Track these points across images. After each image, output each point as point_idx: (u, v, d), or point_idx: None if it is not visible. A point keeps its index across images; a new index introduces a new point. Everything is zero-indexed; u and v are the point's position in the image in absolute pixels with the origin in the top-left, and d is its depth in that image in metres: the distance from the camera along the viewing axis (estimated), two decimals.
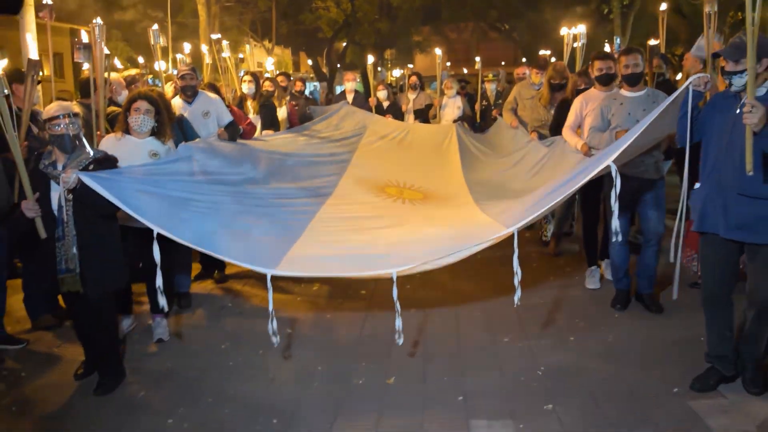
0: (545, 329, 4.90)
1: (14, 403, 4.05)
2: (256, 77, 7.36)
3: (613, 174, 3.46)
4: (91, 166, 3.95)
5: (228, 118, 6.02)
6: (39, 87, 5.39)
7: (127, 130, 4.70)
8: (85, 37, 5.34)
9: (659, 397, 3.81)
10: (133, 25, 18.62)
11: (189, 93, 5.98)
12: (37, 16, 8.58)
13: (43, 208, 3.92)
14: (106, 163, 4.06)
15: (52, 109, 4.00)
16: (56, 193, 3.94)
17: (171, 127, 5.19)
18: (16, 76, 5.32)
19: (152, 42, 6.64)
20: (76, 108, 4.07)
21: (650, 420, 3.57)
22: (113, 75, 6.62)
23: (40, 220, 3.91)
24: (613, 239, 3.61)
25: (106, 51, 5.69)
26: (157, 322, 4.92)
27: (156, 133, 4.75)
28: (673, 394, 3.85)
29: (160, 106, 4.78)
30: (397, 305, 3.47)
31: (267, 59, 10.52)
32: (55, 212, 3.96)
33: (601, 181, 5.12)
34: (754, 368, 3.82)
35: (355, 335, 4.93)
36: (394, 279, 3.47)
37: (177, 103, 5.95)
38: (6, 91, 3.91)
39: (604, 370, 4.19)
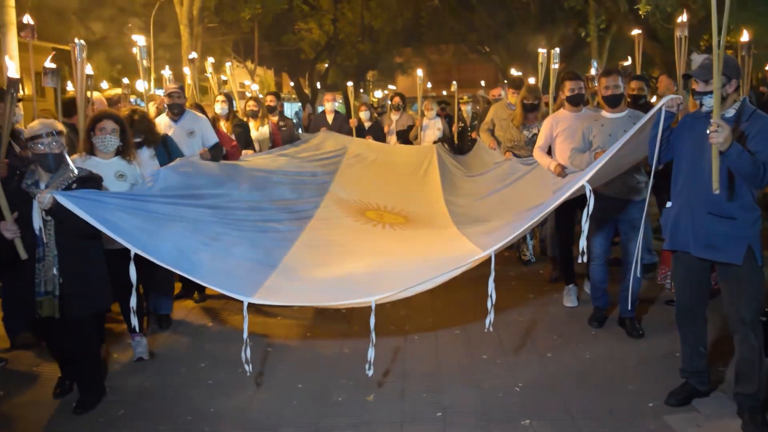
0: (523, 346, 4.95)
1: None
2: (230, 98, 7.31)
3: (587, 194, 3.51)
4: (74, 185, 3.88)
5: (213, 139, 5.96)
6: (20, 105, 5.33)
7: (91, 151, 4.59)
8: (49, 63, 5.23)
9: (634, 412, 3.89)
10: (114, 44, 18.61)
11: (176, 111, 5.95)
12: (19, 36, 8.61)
13: (26, 227, 3.83)
14: (90, 182, 3.99)
15: (35, 127, 3.92)
16: (37, 213, 3.85)
17: (157, 146, 5.25)
18: None
19: (138, 59, 6.60)
20: (59, 126, 4.00)
21: (630, 427, 3.63)
22: (96, 94, 6.63)
23: (19, 240, 3.81)
24: (578, 260, 3.65)
25: (90, 71, 5.70)
26: (136, 341, 4.87)
27: (121, 152, 4.64)
28: (648, 408, 3.93)
29: (124, 125, 4.69)
30: (373, 336, 3.49)
31: (250, 81, 10.47)
32: (37, 232, 3.86)
33: (577, 201, 5.08)
34: (752, 408, 3.63)
35: (335, 353, 4.95)
36: (373, 308, 3.47)
37: (163, 122, 5.92)
38: None
39: (580, 386, 4.25)
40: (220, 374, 4.58)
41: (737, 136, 3.51)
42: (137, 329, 3.84)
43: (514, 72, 10.65)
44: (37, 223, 3.85)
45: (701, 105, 3.70)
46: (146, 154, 5.17)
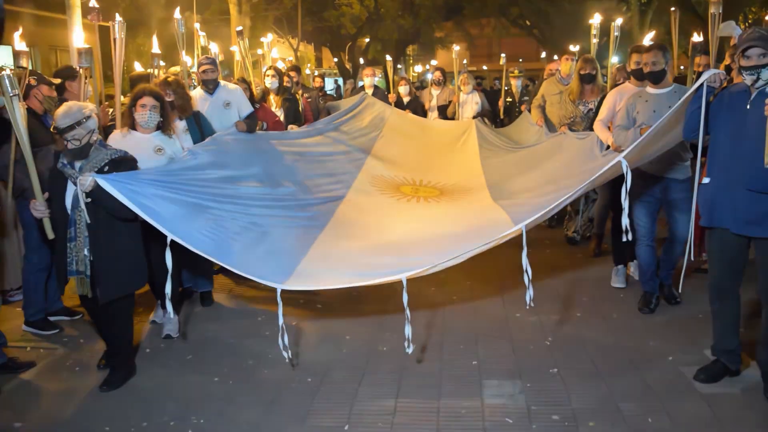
0: (555, 307, 5.29)
1: (76, 364, 4.54)
2: (279, 72, 7.33)
3: (624, 171, 3.49)
4: (106, 168, 3.92)
5: (248, 109, 5.97)
6: (90, 82, 5.70)
7: (132, 126, 4.68)
8: (80, 43, 5.20)
9: (653, 363, 4.24)
10: (162, 23, 19.12)
11: (210, 85, 5.95)
12: (85, 18, 9.08)
13: (60, 207, 3.95)
14: (123, 164, 4.03)
15: (57, 119, 3.90)
16: (71, 193, 3.95)
17: (188, 116, 5.33)
18: (67, 73, 5.77)
19: (177, 31, 6.42)
20: (85, 111, 3.94)
21: (644, 381, 3.99)
22: (172, 69, 7.00)
23: (48, 221, 3.92)
24: (623, 238, 3.63)
25: (157, 50, 5.98)
26: (168, 319, 4.95)
27: (161, 127, 4.72)
28: (667, 361, 4.26)
29: (164, 100, 4.77)
30: (407, 312, 3.54)
31: (292, 57, 10.52)
32: (69, 212, 3.95)
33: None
34: None
35: (380, 309, 5.35)
36: (404, 285, 3.54)
37: (198, 95, 5.95)
38: (16, 90, 3.81)
39: (605, 341, 4.61)
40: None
41: None
42: (171, 315, 3.97)
43: (571, 48, 10.04)
44: (69, 202, 3.94)
45: (758, 79, 3.55)
46: (180, 127, 5.24)
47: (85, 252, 3.94)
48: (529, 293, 3.54)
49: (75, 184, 3.87)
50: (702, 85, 3.75)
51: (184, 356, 4.64)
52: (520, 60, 21.22)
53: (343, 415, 3.71)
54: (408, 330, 3.59)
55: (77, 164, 3.93)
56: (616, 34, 7.10)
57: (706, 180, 3.86)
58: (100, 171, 3.88)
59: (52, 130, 4.02)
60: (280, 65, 9.34)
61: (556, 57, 11.55)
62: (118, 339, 4.29)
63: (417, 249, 4.34)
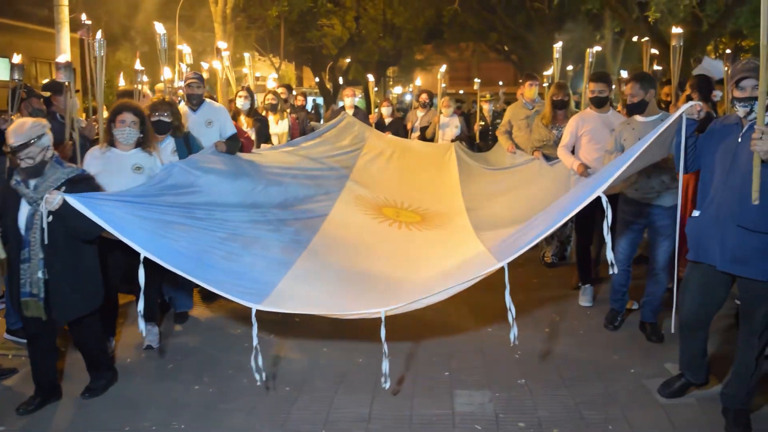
0: (525, 322, 5.48)
1: (57, 371, 4.65)
2: (251, 92, 7.23)
3: (604, 205, 3.39)
4: (63, 188, 3.76)
5: (231, 129, 5.87)
6: (77, 96, 5.84)
7: (111, 142, 4.59)
8: (63, 58, 5.34)
9: (616, 375, 4.46)
10: (145, 36, 19.24)
11: (194, 101, 5.87)
12: (75, 33, 9.25)
13: (12, 226, 3.83)
14: (81, 183, 3.89)
15: (9, 137, 3.73)
16: (24, 212, 3.80)
17: (177, 141, 5.19)
18: (55, 87, 5.91)
19: (159, 46, 6.38)
20: (39, 127, 3.78)
21: (607, 392, 4.21)
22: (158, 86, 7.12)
23: None
24: (610, 271, 3.60)
25: (139, 66, 6.05)
26: (147, 329, 4.64)
27: (141, 143, 4.63)
28: (630, 373, 4.48)
29: (144, 117, 4.67)
30: (385, 347, 3.51)
31: (270, 74, 10.53)
32: (22, 232, 3.80)
33: (596, 202, 4.99)
34: (739, 411, 3.68)
35: (358, 322, 5.48)
36: (383, 319, 3.51)
37: (182, 110, 5.82)
38: None
39: (572, 355, 4.82)
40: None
41: None
42: (144, 334, 3.80)
43: (545, 73, 10.31)
44: (22, 222, 3.80)
45: (751, 111, 3.46)
46: (168, 148, 5.15)
47: (39, 274, 3.77)
48: (514, 332, 3.49)
49: (29, 203, 3.75)
50: (681, 117, 3.67)
51: (165, 366, 4.76)
52: (501, 83, 21.72)
53: (319, 421, 3.88)
54: (385, 365, 3.56)
55: (31, 182, 3.79)
56: (590, 60, 7.24)
57: (695, 213, 3.77)
58: (56, 190, 3.72)
59: (3, 148, 3.83)
60: (272, 85, 9.36)
61: (521, 81, 11.81)
62: (91, 350, 4.26)
63: (397, 283, 4.32)
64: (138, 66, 6.41)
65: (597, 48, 7.54)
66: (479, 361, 4.75)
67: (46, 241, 3.72)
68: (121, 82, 7.68)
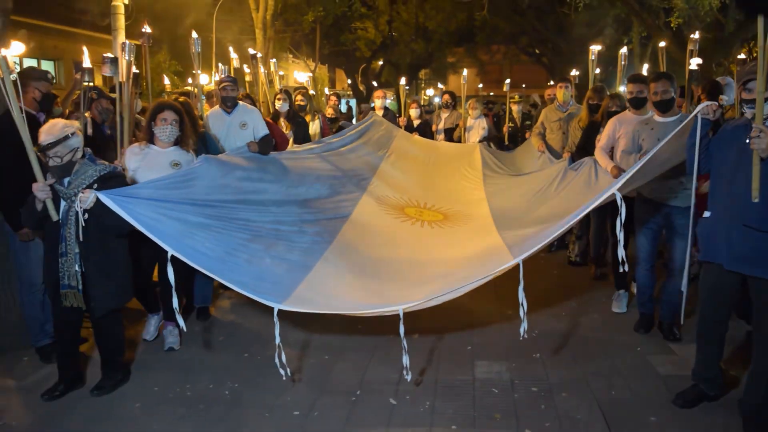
0: (543, 307, 5.94)
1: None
2: (289, 94, 7.40)
3: (618, 202, 3.45)
4: (95, 185, 3.91)
5: (264, 131, 5.98)
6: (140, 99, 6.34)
7: (151, 140, 4.78)
8: (110, 54, 5.52)
9: (624, 352, 4.90)
10: (182, 39, 19.95)
11: (229, 104, 6.01)
12: (136, 41, 9.83)
13: (51, 222, 4.01)
14: (112, 179, 4.03)
15: (40, 136, 3.92)
16: (61, 208, 4.00)
17: (195, 140, 5.22)
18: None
19: (193, 50, 6.62)
20: (68, 129, 3.96)
21: (613, 365, 4.67)
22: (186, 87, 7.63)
23: (51, 202, 3.94)
24: (620, 269, 3.70)
25: (135, 70, 6.12)
26: (169, 330, 5.08)
27: (179, 142, 4.80)
28: (636, 351, 4.93)
29: (183, 115, 4.83)
30: (404, 343, 3.63)
31: (301, 75, 10.80)
32: (61, 228, 3.99)
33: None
34: (759, 420, 3.67)
35: None
36: (401, 316, 3.62)
37: (216, 114, 6.08)
38: (14, 76, 3.89)
39: (585, 336, 5.28)
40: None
41: None
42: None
43: (573, 72, 9.96)
44: (57, 217, 3.99)
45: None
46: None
47: (76, 267, 3.97)
48: (524, 326, 3.65)
49: (64, 199, 3.95)
50: (696, 117, 3.74)
51: (216, 338, 5.33)
52: (523, 86, 21.98)
53: (355, 383, 4.42)
54: (406, 360, 3.69)
55: (65, 180, 3.97)
56: (623, 63, 7.37)
57: (706, 214, 3.85)
58: (89, 187, 3.89)
59: (34, 147, 3.98)
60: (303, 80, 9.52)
61: (551, 83, 11.91)
62: (110, 349, 4.39)
63: (415, 285, 4.33)
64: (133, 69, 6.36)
65: (624, 50, 7.62)
66: (499, 338, 5.22)
67: (81, 238, 3.92)
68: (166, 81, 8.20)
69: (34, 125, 4.84)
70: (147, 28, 6.48)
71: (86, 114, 5.31)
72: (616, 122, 5.64)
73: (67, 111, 5.76)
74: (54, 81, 5.40)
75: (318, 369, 4.67)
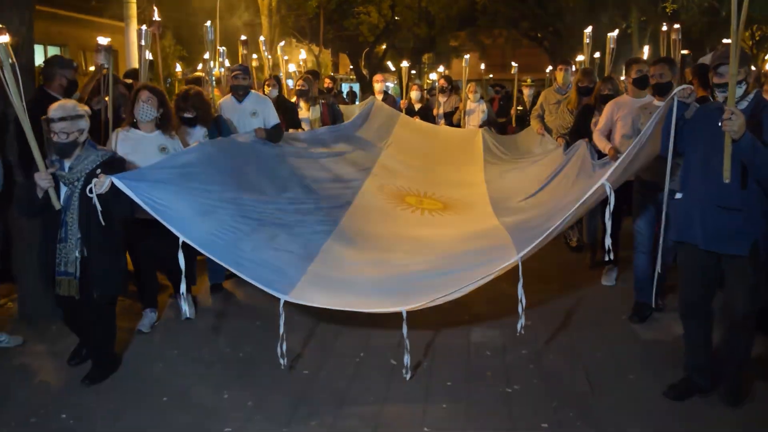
0: (538, 282, 6.21)
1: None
2: (279, 80, 7.45)
3: (608, 192, 3.62)
4: (98, 170, 3.95)
5: (274, 120, 6.04)
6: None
7: (134, 124, 4.80)
8: (103, 40, 5.45)
9: (610, 321, 5.29)
10: (186, 24, 20.04)
11: (240, 92, 6.10)
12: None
13: (50, 208, 3.98)
14: (113, 164, 4.06)
15: (50, 110, 3.96)
16: (61, 194, 4.01)
17: (209, 125, 5.48)
18: (135, 75, 6.87)
19: (207, 38, 6.76)
20: (78, 110, 4.03)
21: (599, 333, 5.06)
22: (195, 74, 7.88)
23: (53, 191, 3.94)
24: (605, 257, 3.91)
25: (149, 56, 6.34)
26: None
27: (161, 126, 4.82)
28: (621, 320, 5.30)
29: (164, 98, 4.84)
30: (407, 342, 3.90)
31: (300, 57, 10.60)
32: (62, 213, 3.99)
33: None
34: (731, 380, 3.87)
35: None
36: (404, 317, 3.80)
37: (228, 102, 6.18)
38: (11, 60, 3.91)
39: (573, 308, 5.62)
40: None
41: (751, 128, 3.45)
42: (192, 316, 4.24)
43: (579, 58, 9.95)
44: (59, 206, 3.99)
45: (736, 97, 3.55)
46: (200, 134, 5.40)
47: (76, 254, 3.98)
48: (521, 322, 3.85)
49: (65, 184, 3.99)
50: (673, 99, 3.85)
51: (230, 307, 5.71)
52: (514, 64, 22.05)
53: (360, 347, 4.81)
54: (407, 359, 4.00)
55: (66, 164, 4.00)
56: (612, 46, 7.49)
57: (678, 195, 3.93)
58: (92, 172, 3.94)
59: (42, 118, 4.06)
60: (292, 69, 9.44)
61: (549, 68, 12.01)
62: (103, 337, 4.38)
63: (419, 283, 4.38)
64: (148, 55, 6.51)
65: (613, 33, 7.73)
66: (493, 310, 5.57)
67: (69, 221, 3.95)
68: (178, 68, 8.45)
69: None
70: (156, 17, 6.80)
71: (105, 98, 5.62)
72: (614, 106, 5.70)
73: (86, 96, 6.06)
74: (77, 69, 5.58)
75: (326, 335, 5.04)
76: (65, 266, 4.00)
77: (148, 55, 6.22)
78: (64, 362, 4.56)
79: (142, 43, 5.86)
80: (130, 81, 6.58)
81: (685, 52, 6.63)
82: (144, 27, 5.90)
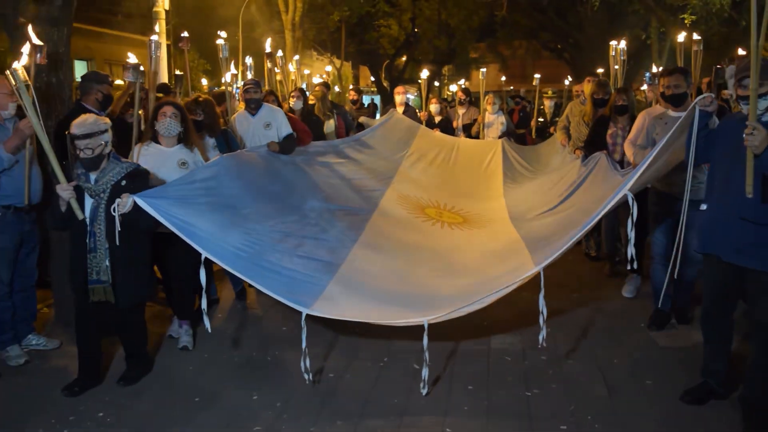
0: (557, 289, 6.35)
1: None
2: (304, 92, 7.56)
3: (630, 202, 3.65)
4: (123, 182, 4.09)
5: (287, 130, 6.11)
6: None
7: (154, 138, 4.84)
8: (133, 58, 5.53)
9: (630, 330, 5.36)
10: (209, 37, 20.47)
11: (253, 105, 6.19)
12: (176, 46, 10.37)
13: (75, 218, 4.09)
14: (138, 177, 4.19)
15: (73, 127, 4.05)
16: (88, 205, 4.13)
17: (217, 135, 5.53)
18: (165, 89, 7.15)
19: (221, 55, 6.98)
20: (100, 125, 4.10)
21: (618, 339, 5.16)
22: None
23: (75, 201, 4.04)
24: (628, 267, 4.13)
25: (178, 72, 6.69)
26: (184, 329, 5.13)
27: (183, 140, 4.86)
28: (640, 328, 5.39)
29: (185, 112, 4.90)
30: (426, 355, 3.98)
31: (315, 76, 10.65)
32: (87, 224, 4.10)
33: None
34: (758, 414, 3.70)
35: None
36: (426, 328, 3.88)
37: (241, 115, 6.28)
38: (29, 82, 4.09)
39: (593, 317, 5.72)
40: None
41: None
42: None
43: (599, 70, 10.24)
44: (87, 214, 4.11)
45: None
46: (209, 144, 5.48)
47: (107, 263, 4.11)
48: (542, 334, 3.93)
49: (92, 196, 4.10)
50: (695, 108, 3.84)
51: (258, 313, 5.89)
52: (535, 79, 22.15)
53: (383, 350, 4.96)
54: (425, 372, 4.08)
55: (92, 176, 4.12)
56: (623, 58, 7.49)
57: (703, 206, 3.94)
58: (117, 184, 4.08)
59: (66, 133, 4.15)
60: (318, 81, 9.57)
61: (569, 79, 11.93)
62: (135, 342, 4.58)
63: (439, 296, 4.48)
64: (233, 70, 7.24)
65: (621, 44, 7.65)
66: (513, 317, 5.67)
67: (117, 241, 4.03)
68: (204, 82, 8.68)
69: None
70: (185, 33, 7.08)
71: (140, 112, 5.83)
72: (646, 115, 5.63)
73: (118, 110, 6.25)
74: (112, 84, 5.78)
75: (350, 341, 5.19)
76: (97, 275, 4.13)
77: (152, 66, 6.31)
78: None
79: (152, 55, 5.88)
80: (161, 95, 6.80)
81: (718, 66, 6.62)
82: (154, 37, 5.96)
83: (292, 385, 4.42)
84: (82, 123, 4.02)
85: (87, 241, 4.09)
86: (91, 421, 3.98)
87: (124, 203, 3.91)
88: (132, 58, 5.51)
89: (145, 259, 4.42)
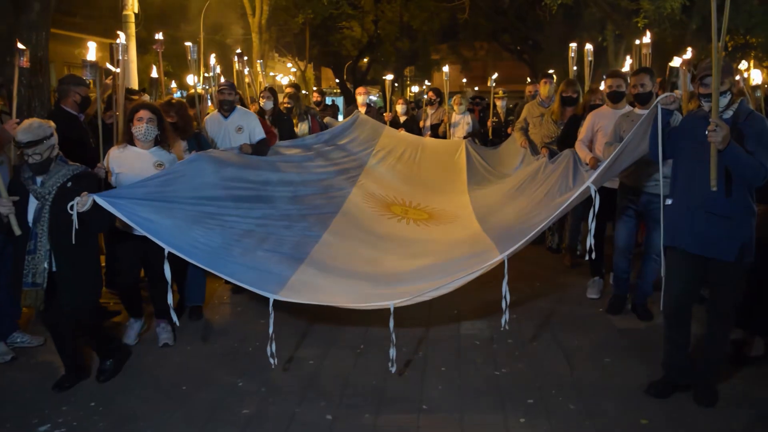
0: (522, 279, 6.71)
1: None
2: (274, 92, 7.50)
3: (592, 194, 3.84)
4: (69, 183, 4.08)
5: (260, 135, 6.12)
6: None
7: (130, 141, 4.80)
8: (91, 55, 5.44)
9: (593, 318, 5.71)
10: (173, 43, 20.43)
11: (226, 107, 6.17)
12: (151, 48, 10.31)
13: (21, 220, 4.03)
14: (84, 178, 4.17)
15: (18, 134, 4.00)
16: (32, 207, 4.08)
17: (189, 137, 5.55)
18: (135, 91, 7.24)
19: (189, 57, 6.99)
20: (44, 130, 4.06)
21: (578, 323, 5.53)
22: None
23: (14, 217, 3.98)
24: (587, 257, 4.16)
25: (154, 74, 6.66)
26: (162, 327, 5.19)
27: (159, 142, 4.85)
28: (599, 312, 5.78)
29: (161, 115, 4.89)
30: (393, 336, 4.02)
31: (283, 77, 10.93)
32: (30, 225, 4.06)
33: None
34: (706, 382, 4.05)
35: None
36: (392, 311, 3.96)
37: (213, 117, 6.27)
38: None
39: (555, 304, 6.07)
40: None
41: (735, 136, 3.65)
42: (177, 324, 4.23)
43: (550, 71, 10.40)
44: (32, 215, 4.07)
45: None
46: (181, 147, 5.49)
47: (45, 265, 4.03)
48: (505, 317, 4.07)
49: (37, 198, 4.06)
50: (657, 107, 4.02)
51: (236, 308, 6.09)
52: (492, 83, 22.59)
53: (360, 335, 5.25)
54: (392, 352, 4.11)
55: (38, 179, 4.08)
56: (590, 59, 7.64)
57: (668, 201, 4.09)
58: (63, 186, 4.05)
59: (13, 143, 4.19)
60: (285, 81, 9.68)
61: (528, 80, 12.17)
62: (97, 341, 4.55)
63: (406, 278, 4.58)
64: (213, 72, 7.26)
65: (589, 46, 7.90)
66: (481, 305, 5.98)
67: (39, 233, 4.01)
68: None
69: (76, 125, 5.59)
70: (160, 36, 7.20)
71: (117, 113, 5.87)
72: (595, 116, 5.93)
73: (93, 111, 6.27)
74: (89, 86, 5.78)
75: (327, 330, 5.44)
76: (33, 277, 4.05)
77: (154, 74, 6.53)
78: None
79: (119, 57, 5.81)
80: (137, 97, 6.92)
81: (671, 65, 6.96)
82: (119, 41, 5.88)
83: (275, 372, 4.64)
84: (27, 129, 3.99)
85: (28, 242, 4.06)
86: (83, 411, 4.15)
87: (83, 202, 3.90)
88: (90, 55, 5.43)
89: (92, 260, 4.37)
